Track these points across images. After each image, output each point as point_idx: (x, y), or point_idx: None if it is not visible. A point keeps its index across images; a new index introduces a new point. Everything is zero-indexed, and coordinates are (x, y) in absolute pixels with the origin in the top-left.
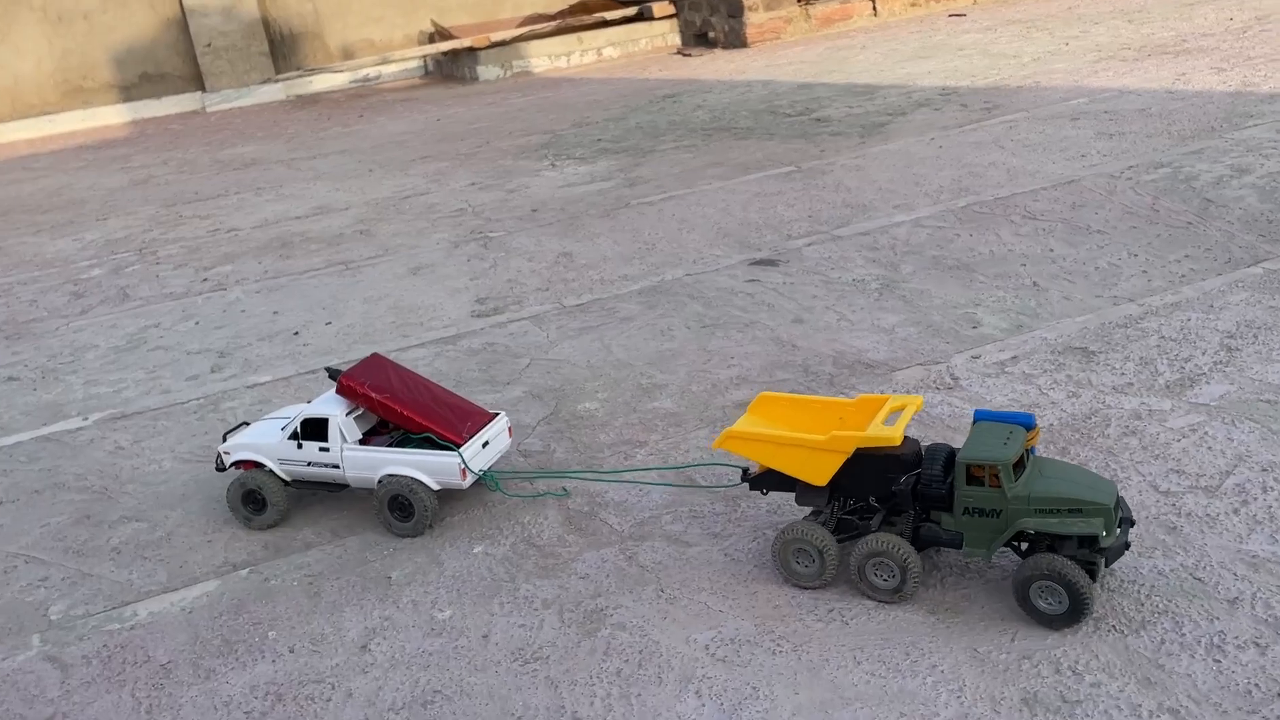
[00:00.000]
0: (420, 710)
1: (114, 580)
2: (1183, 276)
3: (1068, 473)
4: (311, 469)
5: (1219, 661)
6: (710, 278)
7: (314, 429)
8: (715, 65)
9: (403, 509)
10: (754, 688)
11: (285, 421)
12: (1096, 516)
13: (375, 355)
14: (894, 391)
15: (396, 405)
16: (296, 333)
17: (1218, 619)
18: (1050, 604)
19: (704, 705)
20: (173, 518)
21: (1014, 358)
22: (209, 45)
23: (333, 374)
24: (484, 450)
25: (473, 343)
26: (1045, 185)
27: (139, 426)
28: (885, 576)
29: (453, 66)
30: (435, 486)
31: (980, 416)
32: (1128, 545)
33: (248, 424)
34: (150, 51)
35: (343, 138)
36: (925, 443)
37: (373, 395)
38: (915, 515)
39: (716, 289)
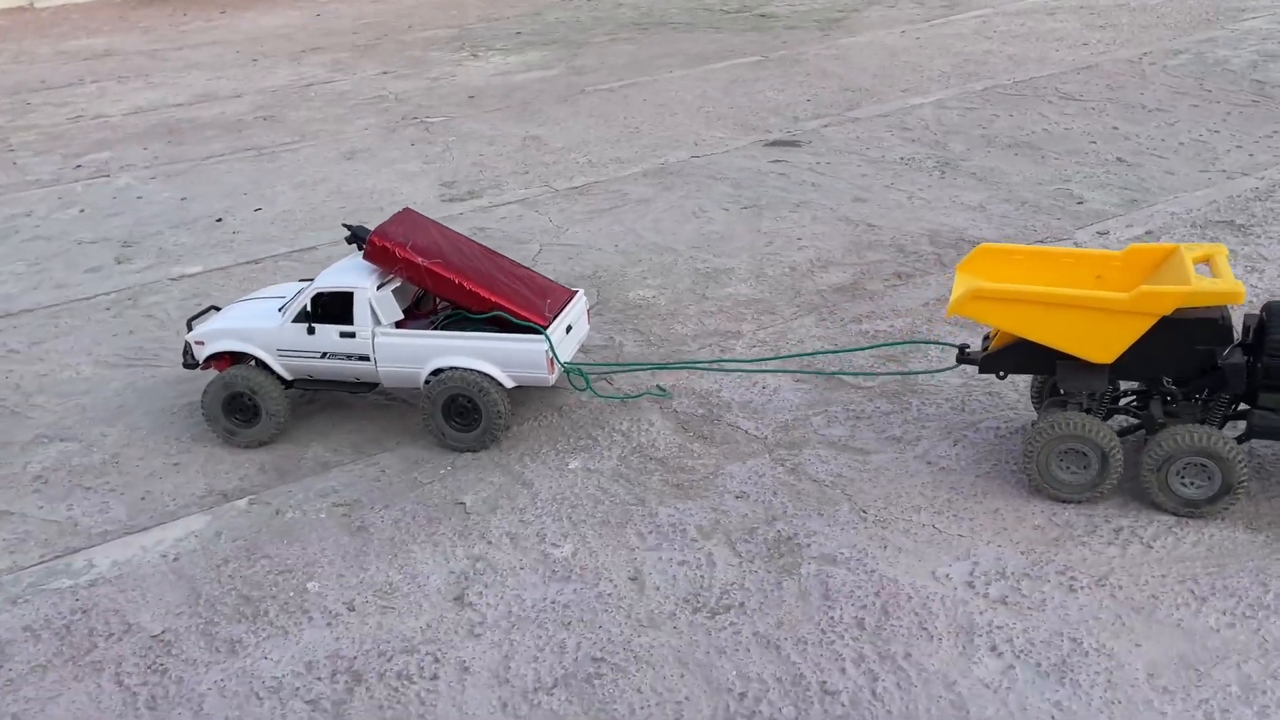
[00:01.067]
0: (585, 688)
1: (45, 519)
2: None
3: None
4: (328, 362)
5: None
6: (725, 159)
7: (332, 308)
8: None
9: (463, 414)
10: (1074, 640)
11: (281, 301)
12: None
13: (408, 210)
14: None
15: (453, 275)
16: (219, 219)
17: None
18: None
19: (1012, 666)
20: (112, 435)
21: (1148, 232)
22: None
23: (357, 233)
24: (567, 337)
25: (457, 227)
26: (1062, 70)
27: (33, 326)
28: (1199, 483)
29: None
30: (510, 384)
31: None
32: None
33: (217, 309)
34: None
35: (208, 31)
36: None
37: (419, 261)
38: (1230, 401)
39: (739, 170)
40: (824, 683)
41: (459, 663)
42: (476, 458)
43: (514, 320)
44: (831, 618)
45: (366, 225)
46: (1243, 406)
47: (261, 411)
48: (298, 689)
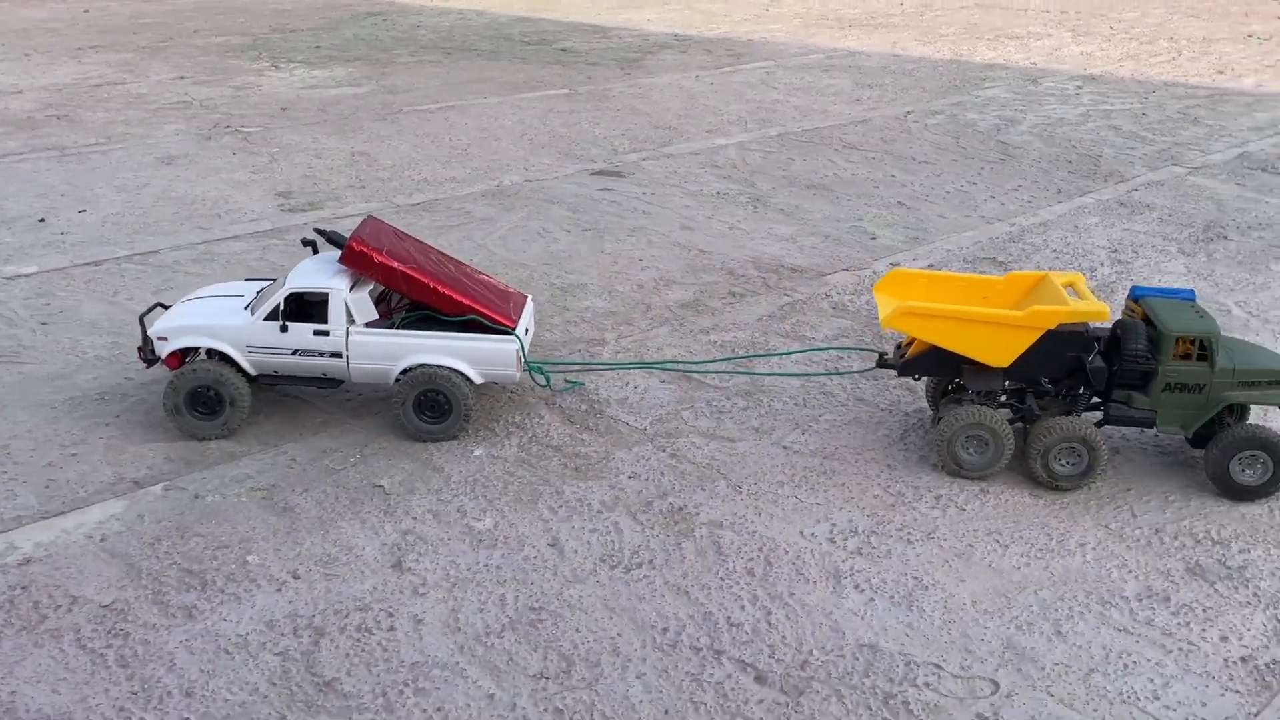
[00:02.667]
0: (530, 631)
1: None
2: (1029, 202)
3: (1249, 346)
4: (299, 359)
5: None
6: (556, 184)
7: (307, 307)
8: None
9: (433, 407)
10: (915, 578)
11: (244, 299)
12: None
13: (372, 218)
14: (830, 292)
15: (427, 279)
16: (42, 220)
17: None
18: (1251, 475)
19: (872, 599)
20: None
21: (930, 265)
22: None
23: (331, 239)
24: (524, 338)
25: (301, 236)
26: (842, 122)
27: None
28: (1072, 461)
29: None
30: (479, 380)
31: (1141, 293)
32: None
33: (165, 306)
34: None
35: None
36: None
37: (395, 265)
38: (1092, 396)
39: (572, 195)
40: (729, 618)
41: (412, 616)
42: (384, 446)
43: (485, 322)
44: (726, 569)
45: (340, 232)
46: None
47: (226, 404)
48: (264, 643)
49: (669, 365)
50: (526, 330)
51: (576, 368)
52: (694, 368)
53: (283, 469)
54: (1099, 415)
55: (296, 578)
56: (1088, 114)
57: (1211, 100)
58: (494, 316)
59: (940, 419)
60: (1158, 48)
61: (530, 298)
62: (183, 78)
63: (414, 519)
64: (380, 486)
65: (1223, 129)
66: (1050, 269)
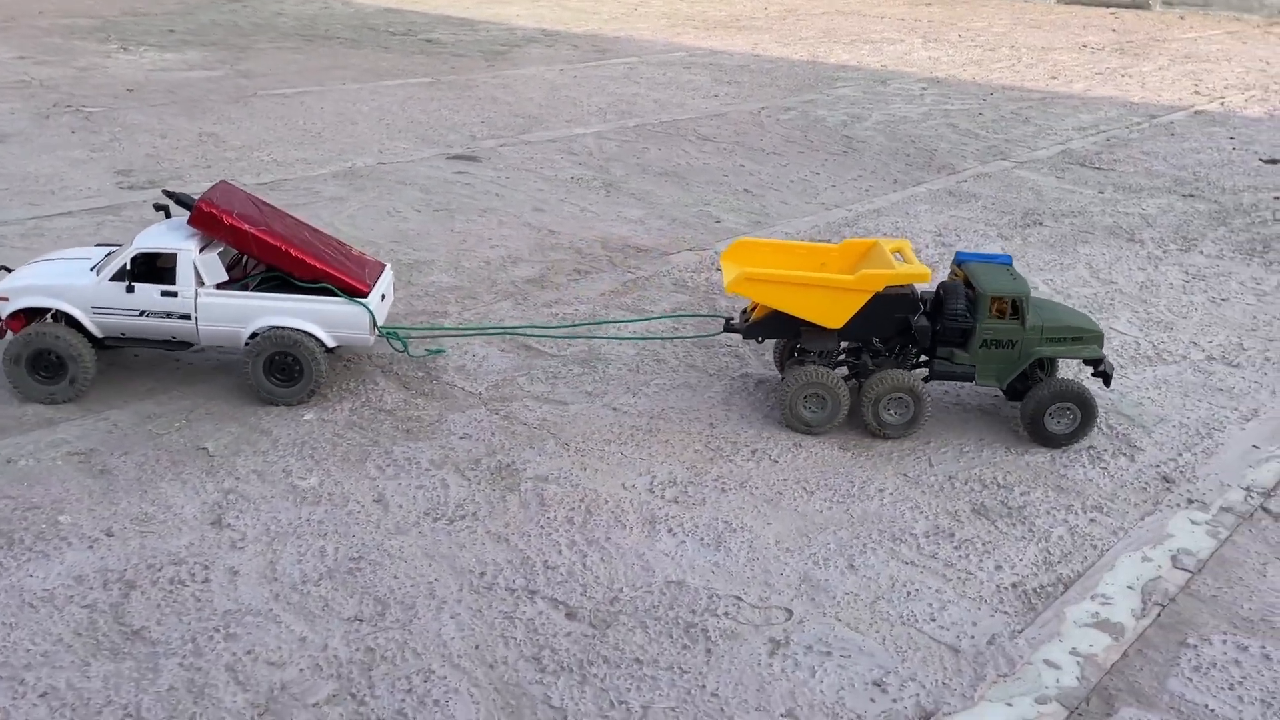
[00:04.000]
0: (348, 578)
1: None
2: (866, 191)
3: (1056, 306)
4: (146, 320)
5: (1104, 467)
6: (411, 167)
7: (154, 268)
8: None
9: (284, 370)
10: (725, 522)
11: (91, 260)
12: (1095, 342)
13: (224, 182)
14: (672, 270)
15: (279, 243)
16: None
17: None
18: (1061, 424)
19: (684, 542)
20: None
21: None
22: None
23: (181, 200)
24: (382, 304)
25: (145, 213)
26: (698, 115)
27: None
28: (899, 411)
29: None
30: (332, 343)
31: (963, 258)
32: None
33: (8, 269)
34: None
35: None
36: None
37: (246, 228)
38: (917, 354)
39: (426, 177)
40: (546, 561)
41: (228, 568)
42: (212, 411)
43: (338, 288)
44: (548, 518)
45: (190, 194)
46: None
47: (70, 367)
48: (72, 597)
49: (525, 330)
50: (383, 297)
51: (435, 333)
52: (552, 333)
53: (103, 434)
54: (926, 371)
55: (110, 535)
56: (929, 112)
57: (1043, 102)
58: (348, 281)
59: (783, 379)
60: (1000, 55)
61: (389, 266)
62: (23, 57)
63: (237, 479)
64: (204, 449)
65: (1050, 128)
66: None
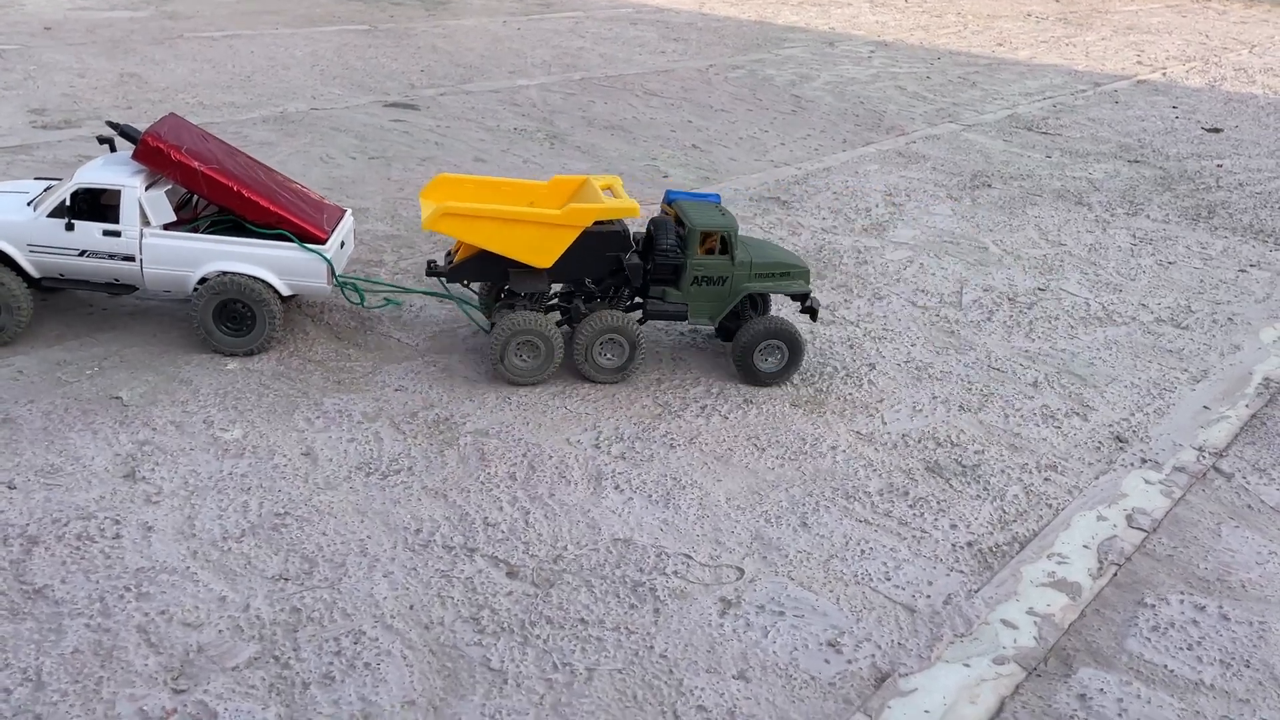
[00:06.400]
0: (274, 535)
1: None
2: (816, 149)
3: (764, 243)
4: (86, 261)
5: (1058, 426)
6: (346, 114)
7: (97, 205)
8: None
9: (235, 318)
10: (674, 479)
11: (28, 195)
12: (801, 277)
13: (174, 115)
14: None
15: (231, 182)
16: None
17: (1031, 396)
18: (770, 363)
19: (631, 499)
20: None
21: (724, 202)
22: None
23: (125, 132)
24: (340, 251)
25: (59, 153)
26: (645, 71)
27: None
28: (613, 355)
29: None
30: (286, 291)
31: (673, 196)
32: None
33: None
34: None
35: None
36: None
37: (195, 165)
38: (630, 294)
39: (361, 124)
40: (486, 518)
41: (141, 524)
42: (126, 359)
43: (293, 233)
44: (488, 474)
45: (135, 126)
46: (638, 300)
47: (2, 310)
48: None
49: (448, 295)
50: (342, 244)
51: (394, 290)
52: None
53: (7, 381)
54: (640, 314)
55: (12, 488)
56: (877, 75)
57: (990, 68)
58: (305, 226)
59: (492, 326)
60: (946, 21)
61: (349, 212)
62: None
63: (153, 430)
64: (118, 398)
65: (997, 93)
66: (830, 209)
